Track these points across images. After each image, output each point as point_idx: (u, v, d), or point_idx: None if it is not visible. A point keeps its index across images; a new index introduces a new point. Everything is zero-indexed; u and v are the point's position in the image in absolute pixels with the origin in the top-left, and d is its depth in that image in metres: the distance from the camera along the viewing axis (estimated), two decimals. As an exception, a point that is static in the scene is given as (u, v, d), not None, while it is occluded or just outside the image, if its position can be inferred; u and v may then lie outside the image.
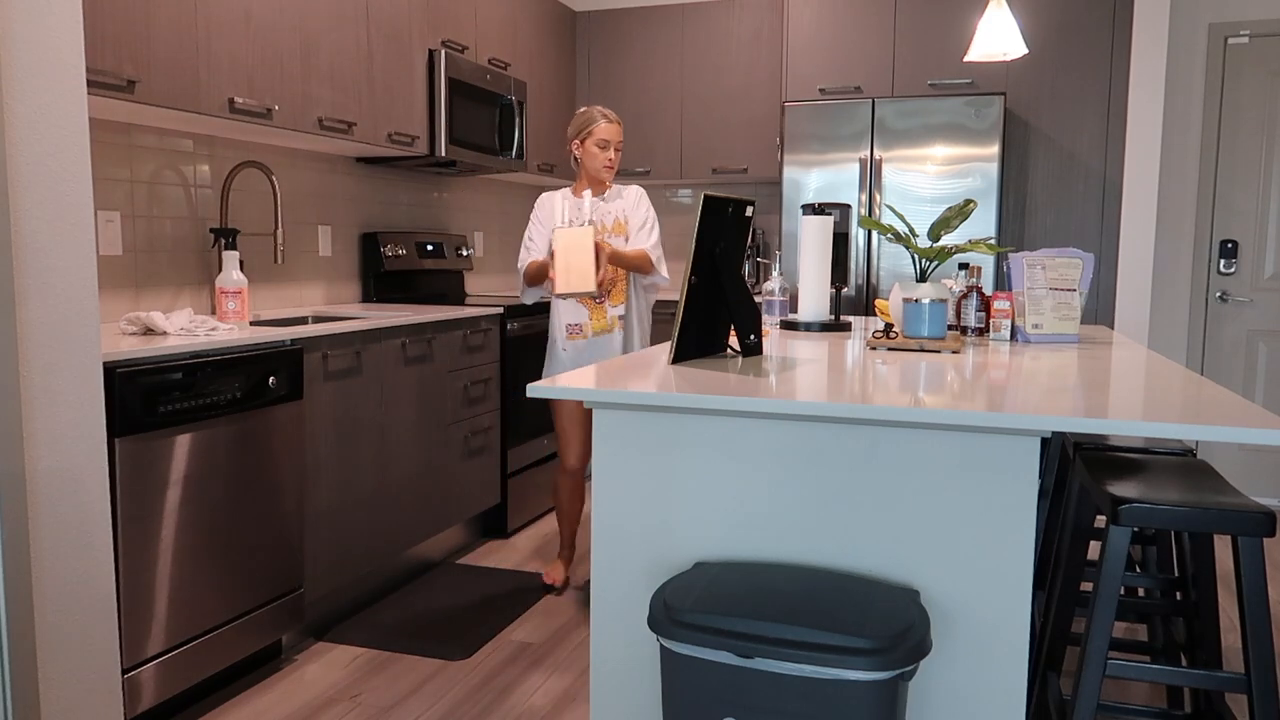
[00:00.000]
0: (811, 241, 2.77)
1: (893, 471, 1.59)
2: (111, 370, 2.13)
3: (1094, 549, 3.67)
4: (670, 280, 3.79)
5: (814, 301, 2.79)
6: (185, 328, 2.50)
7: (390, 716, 2.46)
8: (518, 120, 4.39)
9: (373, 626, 3.01)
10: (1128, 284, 4.19)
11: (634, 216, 3.27)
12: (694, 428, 1.69)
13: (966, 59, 3.33)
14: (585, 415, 3.32)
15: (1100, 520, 3.99)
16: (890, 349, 2.31)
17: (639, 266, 3.21)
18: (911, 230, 2.50)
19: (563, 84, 5.05)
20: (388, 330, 3.17)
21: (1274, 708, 1.64)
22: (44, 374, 1.89)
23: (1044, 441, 2.67)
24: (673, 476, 1.71)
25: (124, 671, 2.21)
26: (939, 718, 1.61)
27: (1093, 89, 4.19)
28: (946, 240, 4.08)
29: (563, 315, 3.27)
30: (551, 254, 3.02)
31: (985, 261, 4.13)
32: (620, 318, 3.27)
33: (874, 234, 4.30)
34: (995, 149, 4.09)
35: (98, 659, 2.05)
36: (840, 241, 2.96)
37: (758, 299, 2.61)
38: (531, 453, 4.18)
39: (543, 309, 4.24)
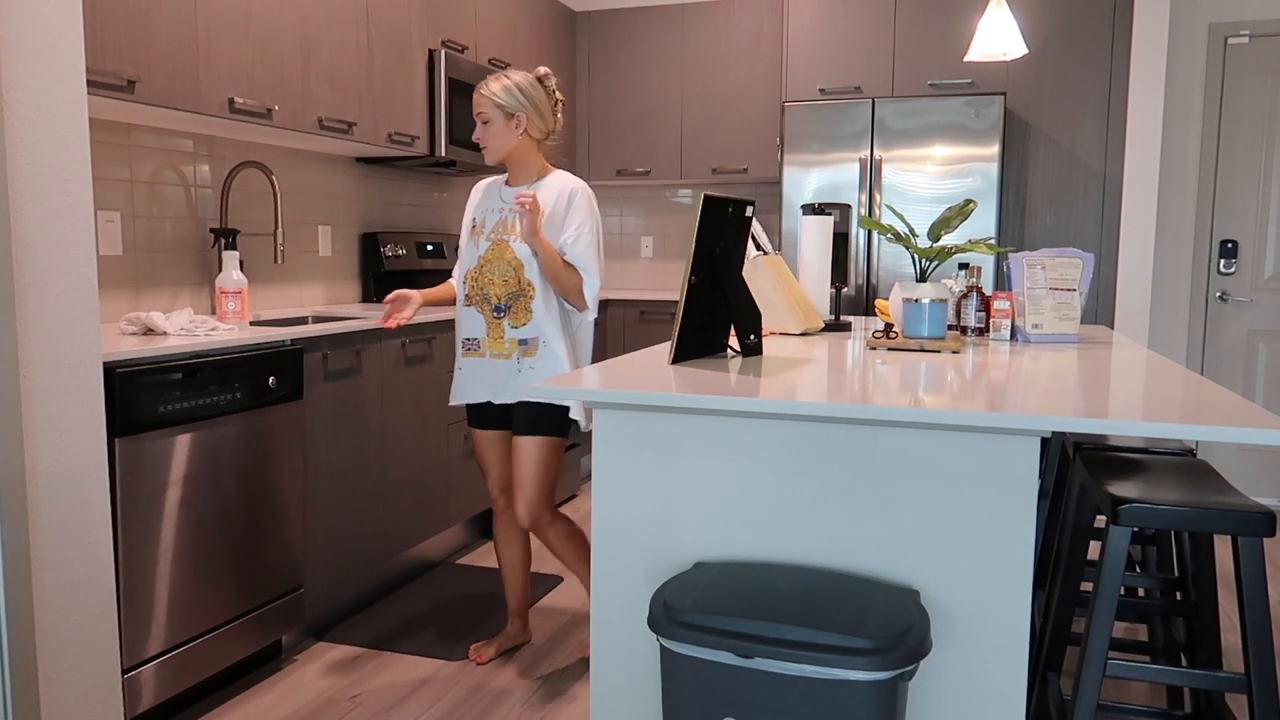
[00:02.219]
0: (811, 241, 2.77)
1: (893, 471, 1.58)
2: (111, 370, 2.13)
3: (1094, 549, 3.67)
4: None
5: (814, 301, 2.79)
6: (185, 328, 2.50)
7: (390, 716, 2.46)
8: (518, 120, 4.39)
9: (373, 626, 3.01)
10: (1128, 284, 4.19)
11: (554, 215, 2.54)
12: (694, 428, 1.69)
13: (966, 59, 3.33)
14: (502, 440, 2.70)
15: (1100, 520, 3.99)
16: (890, 349, 2.31)
17: (558, 279, 2.50)
18: (911, 230, 2.50)
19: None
20: (388, 330, 3.17)
21: (1274, 708, 1.64)
22: (44, 374, 1.89)
23: (1044, 441, 2.67)
24: (673, 476, 1.71)
25: (124, 671, 2.21)
26: (939, 718, 1.61)
27: (1093, 89, 4.19)
28: (946, 240, 4.08)
29: (463, 326, 2.63)
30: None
31: (985, 261, 4.13)
32: (523, 343, 2.53)
33: (874, 234, 4.30)
34: (995, 149, 4.09)
35: (98, 659, 2.05)
36: (840, 241, 2.96)
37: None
38: (531, 453, 4.17)
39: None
